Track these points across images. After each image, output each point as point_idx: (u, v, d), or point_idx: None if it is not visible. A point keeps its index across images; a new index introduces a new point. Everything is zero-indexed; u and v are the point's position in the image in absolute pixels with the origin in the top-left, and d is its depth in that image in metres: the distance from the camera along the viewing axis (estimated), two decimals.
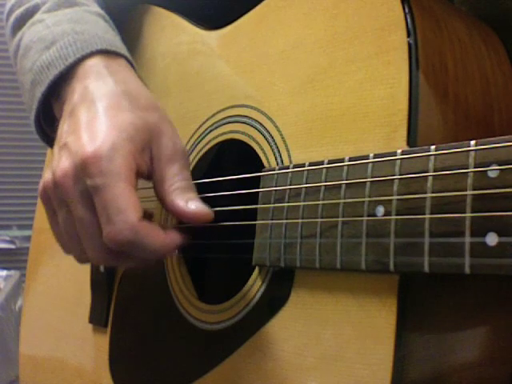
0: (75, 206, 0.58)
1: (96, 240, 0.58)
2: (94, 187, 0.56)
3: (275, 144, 0.60)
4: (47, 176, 0.61)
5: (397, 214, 0.45)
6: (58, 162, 0.60)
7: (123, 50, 0.70)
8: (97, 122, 0.59)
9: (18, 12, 0.77)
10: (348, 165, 0.50)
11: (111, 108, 0.61)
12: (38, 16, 0.74)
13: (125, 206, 0.55)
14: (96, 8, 0.77)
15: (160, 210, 0.73)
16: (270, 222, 0.56)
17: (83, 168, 0.56)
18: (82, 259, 0.63)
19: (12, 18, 0.78)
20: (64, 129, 0.62)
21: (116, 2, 0.84)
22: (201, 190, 0.63)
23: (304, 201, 0.53)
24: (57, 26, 0.70)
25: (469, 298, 0.48)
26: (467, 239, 0.40)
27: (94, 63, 0.66)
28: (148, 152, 0.60)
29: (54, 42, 0.68)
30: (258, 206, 0.58)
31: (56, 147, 0.62)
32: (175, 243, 0.59)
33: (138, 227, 0.55)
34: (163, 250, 0.58)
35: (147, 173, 0.60)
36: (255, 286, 0.59)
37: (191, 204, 0.59)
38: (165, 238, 0.58)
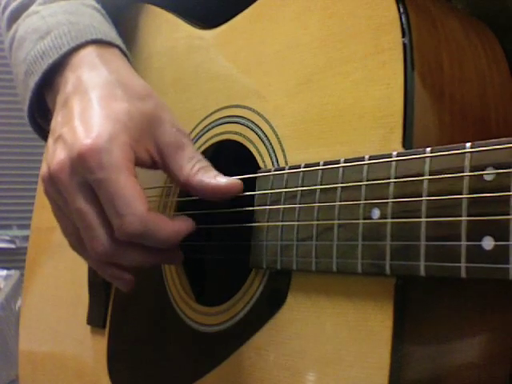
0: (72, 199, 0.58)
1: (96, 231, 0.57)
2: (96, 181, 0.55)
3: (271, 145, 0.60)
4: (43, 169, 0.61)
5: (392, 217, 0.45)
6: (53, 155, 0.59)
7: (118, 40, 0.70)
8: (90, 112, 0.59)
9: (13, 5, 0.77)
10: (343, 166, 0.49)
11: (105, 98, 0.60)
12: (33, 8, 0.74)
13: (131, 198, 0.55)
14: (92, 2, 0.76)
15: (158, 205, 0.73)
16: (266, 224, 0.56)
17: (81, 161, 0.56)
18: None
19: (7, 12, 0.78)
20: (58, 120, 0.62)
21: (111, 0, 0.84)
22: None
23: (300, 203, 0.53)
24: (52, 16, 0.70)
25: (467, 300, 0.48)
26: (463, 243, 0.40)
27: (88, 53, 0.66)
28: (148, 141, 0.60)
29: (48, 32, 0.68)
30: (254, 208, 0.58)
31: (50, 139, 0.62)
32: (184, 230, 0.59)
33: (147, 218, 0.55)
34: (173, 239, 0.58)
35: (150, 162, 0.60)
36: (252, 287, 0.59)
37: (220, 179, 0.59)
38: (173, 226, 0.58)
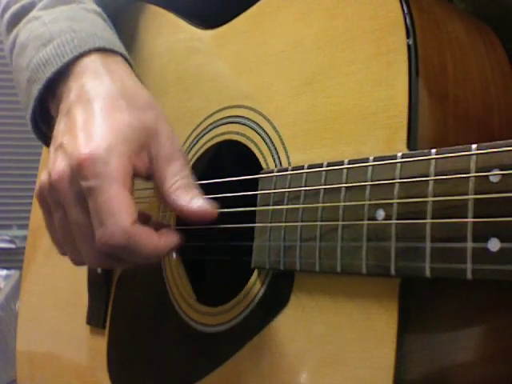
0: (71, 209, 0.58)
1: (90, 243, 0.57)
2: (87, 189, 0.55)
3: (273, 145, 0.60)
4: (43, 177, 0.61)
5: (397, 218, 0.44)
6: (54, 163, 0.59)
7: (121, 48, 0.70)
8: (93, 122, 0.59)
9: (13, 8, 0.76)
10: (348, 168, 0.49)
11: (107, 108, 0.60)
12: (33, 13, 0.73)
13: (118, 209, 0.54)
14: (93, 6, 0.76)
15: (157, 212, 0.73)
16: (269, 224, 0.56)
17: (78, 170, 0.56)
18: (77, 261, 0.63)
19: (7, 15, 0.77)
20: (60, 128, 0.62)
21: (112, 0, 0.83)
22: None
23: (303, 203, 0.53)
24: (54, 23, 0.70)
25: (469, 300, 0.48)
26: (469, 244, 0.40)
27: (91, 61, 0.65)
28: (146, 153, 0.59)
29: (50, 39, 0.68)
30: (257, 208, 0.58)
31: (52, 147, 0.62)
32: (169, 246, 0.58)
33: (131, 231, 0.55)
34: (156, 254, 0.57)
35: (146, 174, 0.60)
36: (254, 288, 0.59)
37: (195, 202, 0.58)
38: (158, 242, 0.57)
